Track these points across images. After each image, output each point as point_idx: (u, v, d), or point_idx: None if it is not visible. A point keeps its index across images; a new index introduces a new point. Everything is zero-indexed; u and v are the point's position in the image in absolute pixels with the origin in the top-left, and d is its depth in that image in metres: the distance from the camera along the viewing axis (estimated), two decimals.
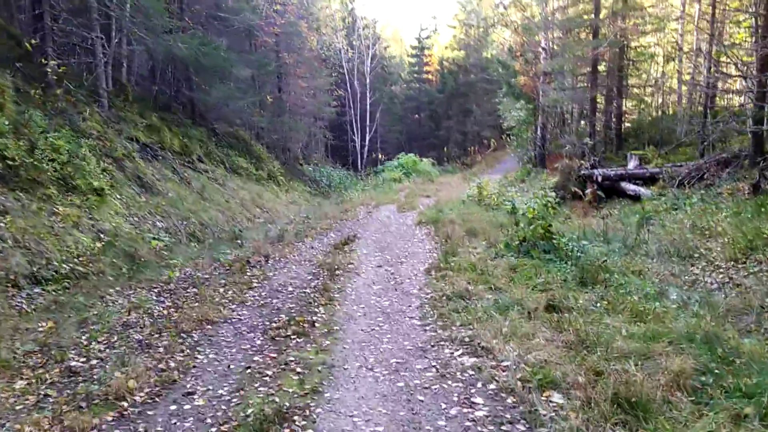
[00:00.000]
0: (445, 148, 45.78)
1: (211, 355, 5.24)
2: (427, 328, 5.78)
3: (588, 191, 15.93)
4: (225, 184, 15.21)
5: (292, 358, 5.00)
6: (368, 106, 39.16)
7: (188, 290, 7.47)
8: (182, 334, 5.74)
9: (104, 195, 9.18)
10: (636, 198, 14.35)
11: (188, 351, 5.32)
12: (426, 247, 10.62)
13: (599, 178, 15.61)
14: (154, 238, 9.10)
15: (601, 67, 21.05)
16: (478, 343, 5.13)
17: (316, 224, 14.31)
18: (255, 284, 7.75)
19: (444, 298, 6.67)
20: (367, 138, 39.30)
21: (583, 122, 26.35)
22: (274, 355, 5.13)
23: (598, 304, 6.18)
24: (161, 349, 5.36)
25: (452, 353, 5.04)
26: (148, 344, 5.53)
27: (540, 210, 9.57)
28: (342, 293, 7.24)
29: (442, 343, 5.32)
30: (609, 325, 5.45)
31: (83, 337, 5.59)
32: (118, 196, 9.76)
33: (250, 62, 18.38)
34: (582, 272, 7.22)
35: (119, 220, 9.04)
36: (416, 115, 47.90)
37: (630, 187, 14.87)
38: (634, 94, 22.92)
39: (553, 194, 17.19)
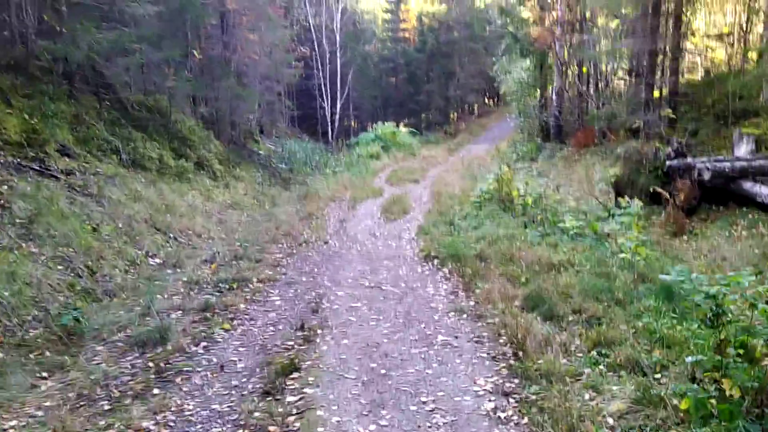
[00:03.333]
0: (425, 115, 40.05)
1: None
2: None
3: (679, 193, 10.27)
4: (102, 194, 9.06)
5: None
6: (339, 68, 32.77)
7: None
8: None
9: None
10: None
11: None
12: (476, 369, 4.76)
13: (706, 175, 9.86)
14: None
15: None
16: None
17: (254, 264, 8.40)
18: None
19: None
20: (339, 104, 33.01)
21: (611, 84, 20.62)
22: None
23: None
24: None
25: None
26: None
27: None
28: None
29: None
30: None
31: None
32: None
33: None
34: None
35: None
36: (392, 78, 41.70)
37: (764, 191, 9.19)
38: (695, 48, 17.16)
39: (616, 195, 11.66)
